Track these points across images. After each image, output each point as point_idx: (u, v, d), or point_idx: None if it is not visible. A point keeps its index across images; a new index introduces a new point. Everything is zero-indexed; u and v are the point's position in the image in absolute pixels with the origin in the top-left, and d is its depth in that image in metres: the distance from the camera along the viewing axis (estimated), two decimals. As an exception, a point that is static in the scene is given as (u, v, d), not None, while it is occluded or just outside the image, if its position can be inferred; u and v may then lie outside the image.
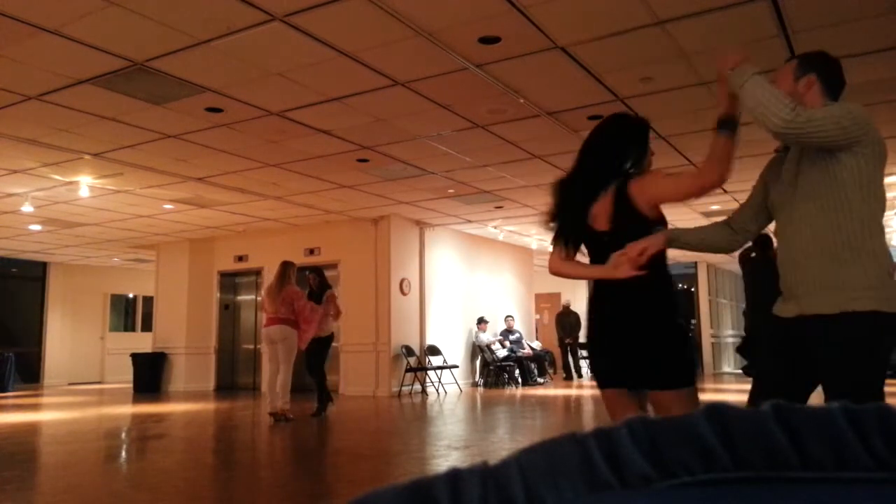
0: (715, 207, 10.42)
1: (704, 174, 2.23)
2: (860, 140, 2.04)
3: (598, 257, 2.44)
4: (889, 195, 10.85)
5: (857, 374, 2.04)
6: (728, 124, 2.20)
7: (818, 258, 2.10)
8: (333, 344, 8.46)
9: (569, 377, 14.54)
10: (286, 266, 7.71)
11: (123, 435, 7.27)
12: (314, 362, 7.92)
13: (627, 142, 2.46)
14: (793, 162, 2.22)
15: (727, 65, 2.14)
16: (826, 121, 2.01)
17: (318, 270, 8.34)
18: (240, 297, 13.19)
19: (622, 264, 2.26)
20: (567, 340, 14.81)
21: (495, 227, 12.42)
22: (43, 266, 15.57)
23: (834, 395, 2.06)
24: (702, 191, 2.27)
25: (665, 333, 2.31)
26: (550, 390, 11.94)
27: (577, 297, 18.49)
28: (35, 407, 10.37)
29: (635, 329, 2.31)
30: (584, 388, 12.73)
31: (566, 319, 15.06)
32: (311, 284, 8.13)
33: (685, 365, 2.32)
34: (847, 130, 2.01)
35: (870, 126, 2.07)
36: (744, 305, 7.48)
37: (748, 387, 2.43)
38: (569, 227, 2.51)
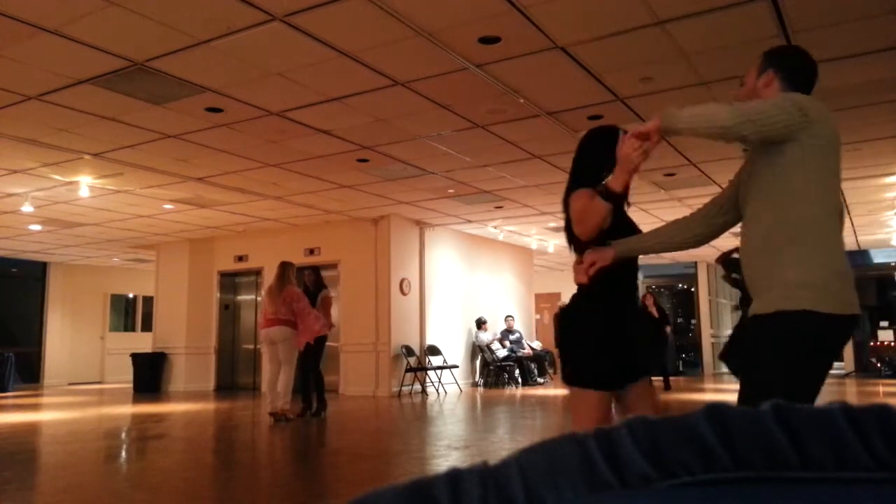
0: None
1: (582, 228, 2.44)
2: (803, 129, 1.96)
3: None
4: (889, 195, 10.74)
5: (778, 375, 1.96)
6: (613, 198, 2.33)
7: (763, 256, 2.05)
8: (333, 344, 8.46)
9: None
10: (285, 266, 7.71)
11: (123, 435, 7.27)
12: (311, 362, 7.91)
13: (600, 152, 2.59)
14: (749, 161, 2.18)
15: (640, 133, 2.13)
16: (767, 107, 1.97)
17: (316, 270, 8.37)
18: (240, 297, 13.19)
19: (579, 272, 2.44)
20: None
21: (495, 227, 12.42)
22: (43, 266, 15.56)
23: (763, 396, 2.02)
24: (580, 235, 2.47)
25: (568, 336, 2.57)
26: (550, 390, 11.94)
27: (577, 297, 18.47)
28: (35, 407, 10.37)
29: (560, 330, 2.67)
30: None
31: None
32: (307, 283, 8.13)
33: (573, 366, 2.51)
34: (790, 116, 1.95)
35: (815, 115, 1.99)
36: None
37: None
38: None
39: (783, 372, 1.96)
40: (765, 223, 2.06)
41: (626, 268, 2.55)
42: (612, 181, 2.34)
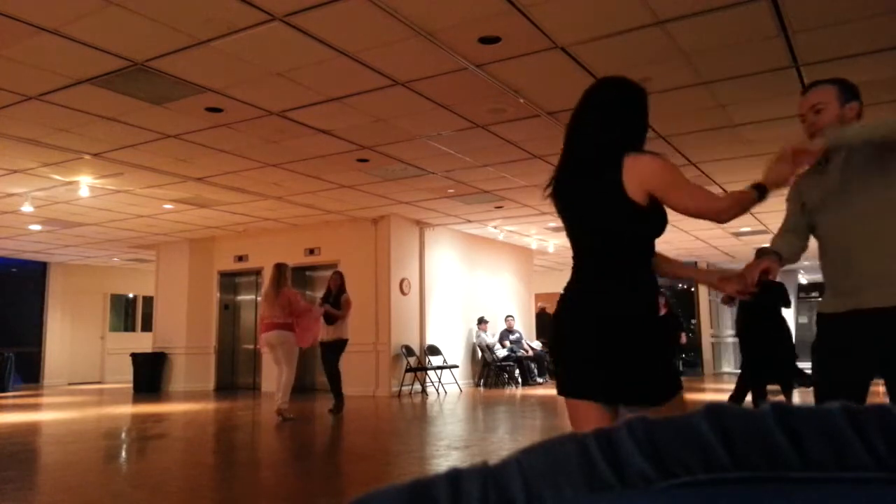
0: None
1: (710, 204, 2.07)
2: None
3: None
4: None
5: None
6: (763, 190, 2.13)
7: (875, 252, 2.18)
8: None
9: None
10: (281, 268, 7.70)
11: (123, 435, 7.26)
12: (331, 361, 8.04)
13: (645, 116, 2.33)
14: (836, 168, 2.32)
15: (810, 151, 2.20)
16: None
17: (340, 275, 8.38)
18: (240, 297, 13.19)
19: (747, 280, 2.21)
20: (542, 339, 14.90)
21: (495, 227, 12.41)
22: (43, 266, 15.56)
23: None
24: (706, 210, 2.08)
25: None
26: (550, 390, 11.94)
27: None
28: (35, 407, 10.37)
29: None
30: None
31: (542, 320, 15.41)
32: (331, 286, 8.18)
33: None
34: None
35: None
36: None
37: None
38: None
39: None
40: (874, 222, 2.20)
41: None
42: (771, 184, 2.12)
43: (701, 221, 2.16)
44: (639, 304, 1.99)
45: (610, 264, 2.02)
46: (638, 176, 1.95)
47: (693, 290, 16.98)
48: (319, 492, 4.28)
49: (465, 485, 0.40)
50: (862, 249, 2.21)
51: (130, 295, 17.25)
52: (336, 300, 8.02)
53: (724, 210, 2.01)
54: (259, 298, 11.81)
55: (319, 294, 8.95)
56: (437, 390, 11.27)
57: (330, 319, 8.00)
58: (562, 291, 2.09)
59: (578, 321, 2.02)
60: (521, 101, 5.94)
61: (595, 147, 2.08)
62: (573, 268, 2.09)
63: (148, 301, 15.16)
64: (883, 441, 0.36)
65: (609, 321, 1.97)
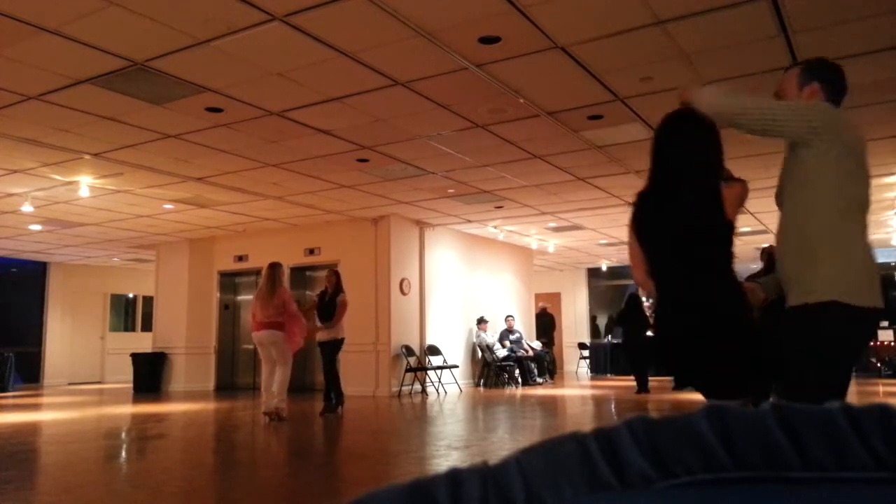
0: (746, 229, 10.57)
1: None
2: (821, 136, 2.10)
3: None
4: (889, 195, 10.72)
5: (812, 364, 2.10)
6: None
7: (790, 254, 2.22)
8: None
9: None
10: (275, 268, 7.68)
11: (123, 435, 7.26)
12: (327, 361, 8.04)
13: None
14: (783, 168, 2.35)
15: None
16: (780, 109, 2.15)
17: (336, 273, 8.35)
18: (240, 297, 13.18)
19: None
20: (542, 340, 14.88)
21: (495, 227, 12.41)
22: (43, 266, 15.56)
23: (789, 386, 2.17)
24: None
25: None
26: (550, 390, 11.94)
27: (578, 298, 18.49)
28: (35, 407, 10.37)
29: None
30: (584, 387, 12.72)
31: (541, 320, 15.32)
32: (328, 285, 8.16)
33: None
34: (808, 122, 2.10)
35: (835, 123, 2.14)
36: None
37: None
38: None
39: (813, 361, 2.11)
40: (788, 225, 2.24)
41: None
42: None
43: None
44: (725, 307, 2.36)
45: (706, 276, 2.40)
46: (736, 201, 2.33)
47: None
48: (319, 492, 4.28)
49: (465, 485, 0.40)
50: (785, 248, 2.25)
51: (130, 295, 17.25)
52: (332, 300, 7.99)
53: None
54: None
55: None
56: (437, 390, 11.26)
57: (326, 319, 7.98)
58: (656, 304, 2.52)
59: (675, 325, 2.43)
60: (521, 101, 5.94)
61: (688, 177, 2.38)
62: (658, 282, 2.45)
63: (148, 301, 15.16)
64: (883, 441, 0.36)
65: (700, 326, 2.35)
